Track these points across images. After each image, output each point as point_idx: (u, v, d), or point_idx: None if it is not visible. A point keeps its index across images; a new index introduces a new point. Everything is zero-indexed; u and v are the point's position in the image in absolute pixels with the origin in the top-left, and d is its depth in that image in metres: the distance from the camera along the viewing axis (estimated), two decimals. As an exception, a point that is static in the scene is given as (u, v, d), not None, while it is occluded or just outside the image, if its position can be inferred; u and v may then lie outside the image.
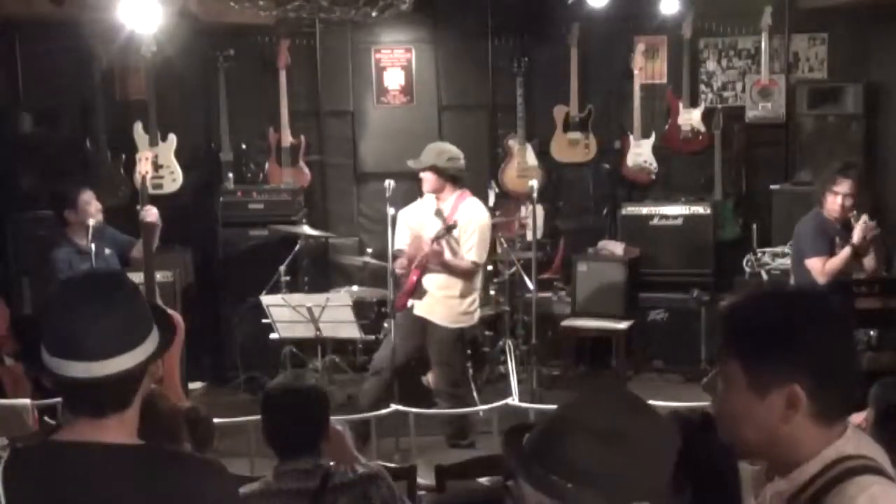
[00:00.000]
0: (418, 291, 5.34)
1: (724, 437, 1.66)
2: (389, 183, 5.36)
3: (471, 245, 5.29)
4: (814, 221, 5.07)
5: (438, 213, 5.37)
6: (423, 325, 5.39)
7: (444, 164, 5.31)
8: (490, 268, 6.77)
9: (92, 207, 5.25)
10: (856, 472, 1.53)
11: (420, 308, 5.38)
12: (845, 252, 4.96)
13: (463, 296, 5.42)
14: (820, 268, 4.94)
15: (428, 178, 5.33)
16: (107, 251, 5.27)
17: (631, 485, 1.35)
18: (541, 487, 1.34)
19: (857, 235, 4.96)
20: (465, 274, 5.39)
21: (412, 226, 5.45)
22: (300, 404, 2.77)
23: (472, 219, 5.35)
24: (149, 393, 1.89)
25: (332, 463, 2.75)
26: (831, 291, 4.90)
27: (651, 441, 1.40)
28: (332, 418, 2.86)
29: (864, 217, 5.00)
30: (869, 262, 5.06)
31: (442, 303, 5.38)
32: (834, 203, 5.00)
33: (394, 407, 4.90)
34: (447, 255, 5.28)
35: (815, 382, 1.54)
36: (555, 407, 1.48)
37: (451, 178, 5.37)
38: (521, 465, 1.37)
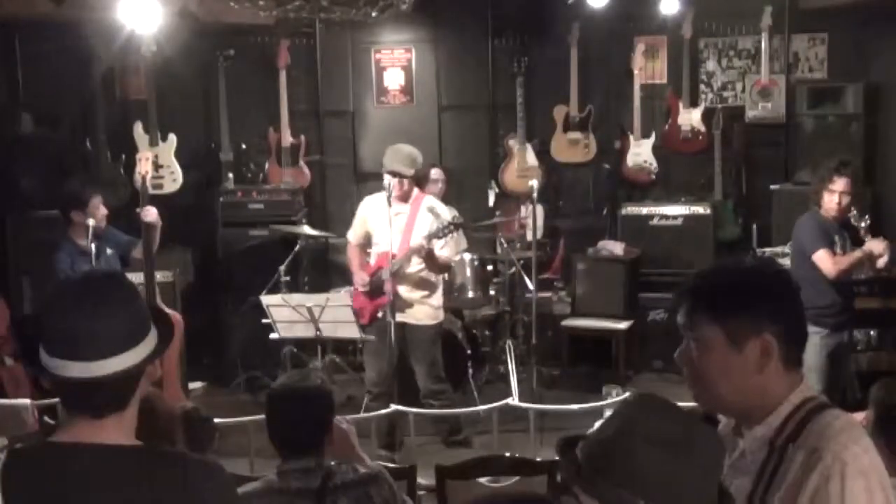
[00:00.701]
0: (397, 300, 5.27)
1: (701, 402, 1.85)
2: (389, 183, 5.36)
3: (444, 243, 5.26)
4: (813, 220, 5.06)
5: (431, 209, 5.32)
6: (401, 330, 5.27)
7: (417, 169, 5.28)
8: (490, 267, 6.77)
9: (99, 212, 5.25)
10: (823, 407, 1.77)
11: (396, 315, 5.22)
12: (857, 254, 4.93)
13: (434, 292, 5.44)
14: (829, 260, 4.89)
15: (404, 182, 5.21)
16: (108, 251, 5.27)
17: (696, 492, 1.41)
18: (609, 502, 1.35)
19: (876, 247, 4.91)
20: (442, 269, 5.41)
21: (368, 218, 5.38)
22: (303, 404, 2.76)
23: (440, 215, 5.33)
24: (146, 394, 1.88)
25: (333, 463, 2.75)
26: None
27: (710, 447, 1.48)
28: (337, 417, 2.86)
29: (864, 223, 4.98)
30: (883, 261, 5.03)
31: (419, 303, 5.36)
32: (831, 202, 4.99)
33: (394, 407, 4.89)
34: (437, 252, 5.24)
35: (782, 331, 1.75)
36: (607, 420, 1.49)
37: (417, 182, 5.38)
38: (585, 480, 1.39)
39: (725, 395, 1.78)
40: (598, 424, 1.53)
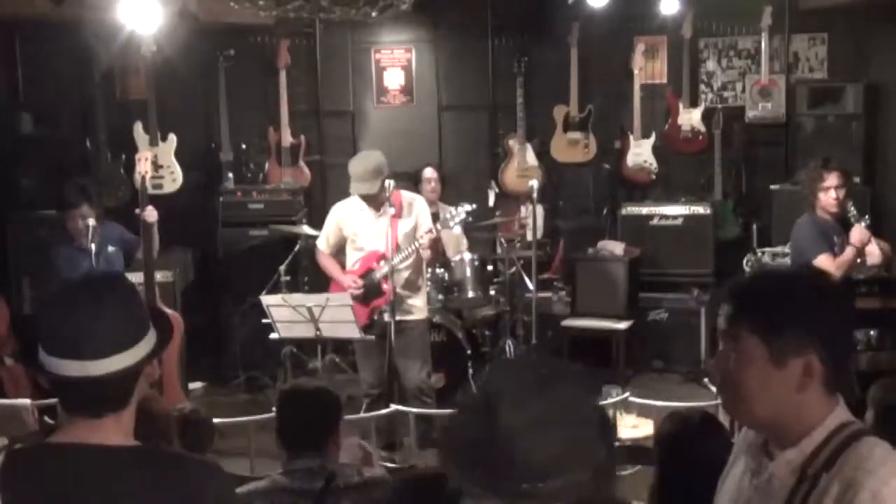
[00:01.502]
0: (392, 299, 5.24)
1: (731, 413, 1.77)
2: (389, 183, 5.35)
3: (428, 227, 5.25)
4: (810, 223, 5.06)
5: (410, 204, 5.29)
6: (388, 332, 5.17)
7: (384, 177, 5.13)
8: (490, 267, 6.77)
9: (84, 220, 5.14)
10: (861, 435, 1.66)
11: (392, 314, 5.17)
12: (850, 252, 4.93)
13: (422, 285, 5.44)
14: (831, 266, 4.88)
15: (376, 198, 5.13)
16: (111, 248, 5.25)
17: (586, 452, 1.29)
18: (520, 501, 1.26)
19: (855, 237, 4.93)
20: (443, 255, 5.44)
21: (343, 224, 5.33)
22: (311, 405, 2.84)
23: (423, 209, 5.33)
24: (142, 396, 1.89)
25: (338, 465, 2.76)
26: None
27: (575, 404, 1.32)
28: (361, 441, 2.94)
29: (864, 222, 4.98)
30: (872, 251, 5.03)
31: (411, 299, 5.35)
32: (828, 199, 4.98)
33: (394, 407, 4.89)
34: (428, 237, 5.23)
35: (827, 352, 1.64)
36: (467, 421, 1.33)
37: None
38: (487, 485, 1.26)
39: (760, 412, 1.70)
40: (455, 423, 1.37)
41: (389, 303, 5.11)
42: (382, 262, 5.17)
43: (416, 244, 5.15)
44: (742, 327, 1.68)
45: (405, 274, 5.29)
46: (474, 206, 5.46)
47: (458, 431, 1.30)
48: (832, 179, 4.96)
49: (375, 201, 5.17)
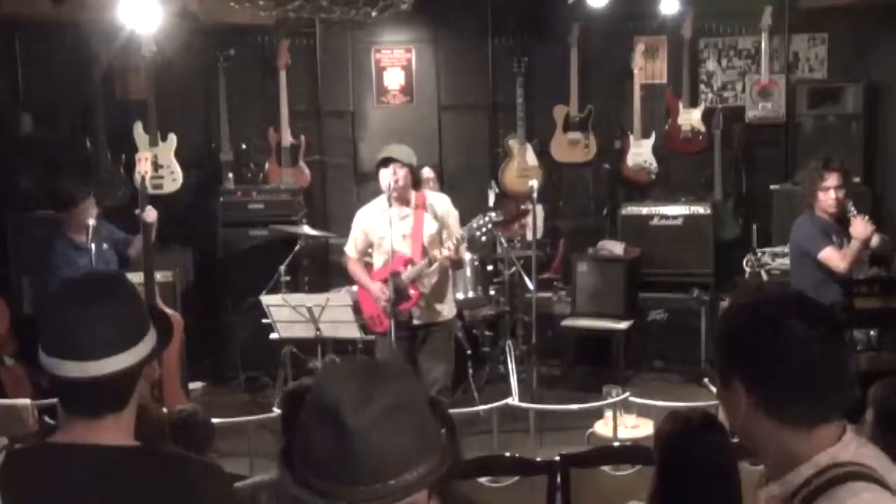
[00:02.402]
0: (420, 303, 5.19)
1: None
2: (390, 182, 5.35)
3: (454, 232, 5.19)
4: (810, 222, 5.06)
5: (432, 207, 5.21)
6: (415, 334, 5.14)
7: (413, 164, 5.09)
8: (490, 268, 6.77)
9: (90, 213, 5.22)
10: (848, 478, 1.54)
11: (420, 317, 5.13)
12: (855, 244, 4.93)
13: (449, 284, 5.29)
14: (837, 256, 4.89)
15: (404, 176, 5.00)
16: (104, 246, 5.27)
17: (432, 437, 1.29)
18: (380, 499, 1.25)
19: (858, 230, 4.91)
20: (463, 263, 5.34)
21: (368, 229, 5.20)
22: None
23: (449, 209, 5.21)
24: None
25: None
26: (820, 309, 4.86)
27: (406, 394, 1.30)
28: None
29: (862, 217, 4.98)
30: (875, 240, 5.03)
31: (440, 300, 5.29)
32: (827, 199, 4.98)
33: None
34: (447, 252, 5.16)
35: (759, 387, 1.60)
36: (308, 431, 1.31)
37: (415, 182, 5.18)
38: (341, 493, 1.25)
39: (731, 427, 1.74)
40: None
41: (401, 307, 5.03)
42: (409, 266, 5.03)
43: (432, 257, 5.01)
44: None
45: (434, 277, 5.15)
46: (498, 211, 5.38)
47: (309, 447, 1.27)
48: (832, 179, 4.96)
49: (397, 183, 4.97)
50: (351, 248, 5.30)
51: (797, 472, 1.58)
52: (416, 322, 5.04)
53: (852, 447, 1.60)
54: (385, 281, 5.07)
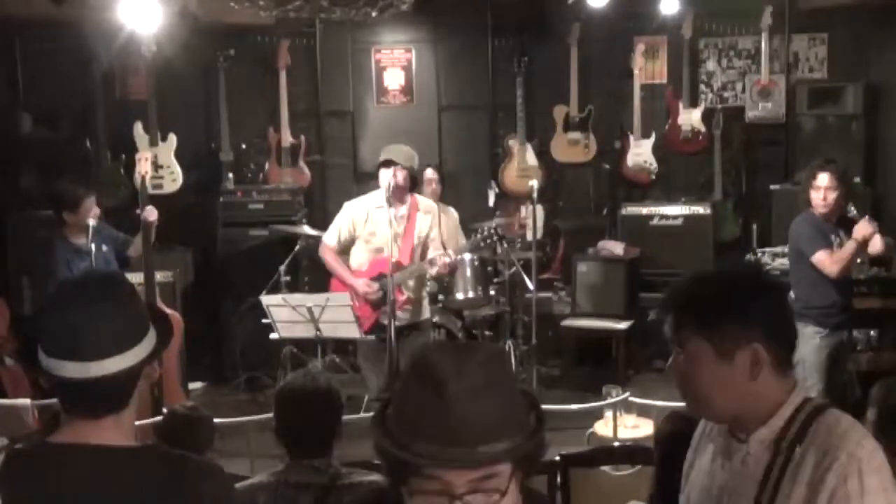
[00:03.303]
0: (405, 305, 5.17)
1: (694, 412, 1.89)
2: (390, 183, 5.35)
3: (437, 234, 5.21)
4: (807, 221, 5.05)
5: (428, 211, 5.25)
6: (399, 333, 5.08)
7: (413, 166, 5.11)
8: (490, 268, 6.77)
9: (91, 213, 5.23)
10: (824, 408, 1.79)
11: (403, 317, 5.14)
12: (851, 245, 4.92)
13: (425, 286, 5.37)
14: (828, 261, 4.89)
15: (404, 178, 5.03)
16: (104, 247, 5.27)
17: (521, 417, 1.37)
18: (469, 461, 1.30)
19: (858, 231, 4.91)
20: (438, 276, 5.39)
21: (358, 222, 5.19)
22: (313, 406, 2.74)
23: (435, 214, 5.25)
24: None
25: (343, 469, 2.73)
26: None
27: (503, 375, 1.39)
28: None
29: (866, 218, 4.97)
30: (875, 245, 5.01)
31: (422, 301, 5.33)
32: (817, 199, 4.97)
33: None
34: (448, 259, 5.17)
35: (769, 339, 1.76)
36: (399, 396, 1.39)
37: (413, 184, 5.20)
38: (442, 454, 1.30)
39: (720, 406, 1.80)
40: None
41: (398, 309, 5.02)
42: (398, 270, 5.01)
43: (433, 259, 5.04)
44: (684, 332, 1.79)
45: (415, 279, 5.22)
46: (500, 222, 5.36)
47: (406, 411, 1.34)
48: (822, 180, 4.95)
49: (398, 184, 5.00)
50: (332, 238, 5.27)
51: (780, 414, 1.78)
52: (396, 324, 5.02)
53: (803, 387, 1.89)
54: (373, 278, 5.10)
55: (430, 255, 5.14)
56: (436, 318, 5.99)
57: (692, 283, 1.86)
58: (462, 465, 1.29)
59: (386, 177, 5.00)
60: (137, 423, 1.93)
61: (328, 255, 5.32)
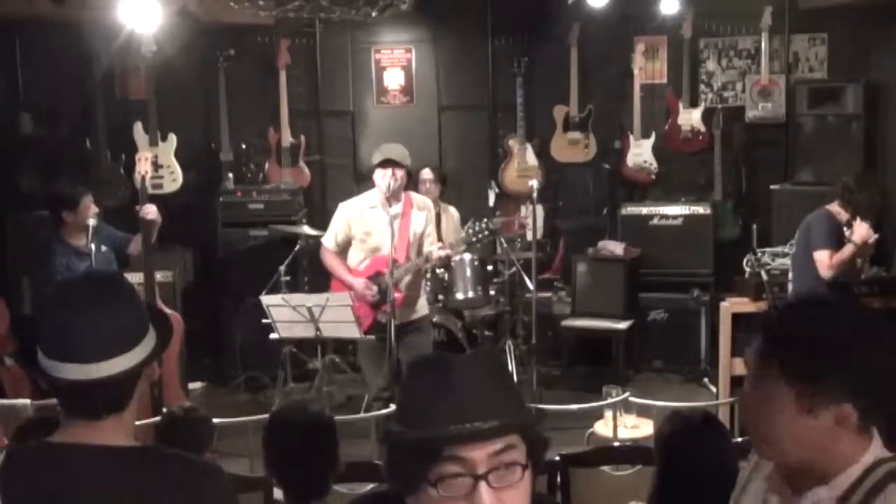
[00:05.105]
0: (402, 303, 5.19)
1: (757, 452, 1.71)
2: (390, 183, 5.35)
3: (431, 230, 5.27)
4: (829, 218, 5.15)
5: (422, 208, 5.28)
6: (400, 331, 5.11)
7: (408, 165, 5.15)
8: (490, 267, 6.77)
9: (90, 211, 5.24)
10: None
11: (401, 315, 5.14)
12: (849, 248, 5.00)
13: (423, 284, 5.43)
14: (828, 261, 4.99)
15: (401, 177, 5.08)
16: (103, 248, 5.27)
17: (516, 401, 1.40)
18: (487, 433, 1.32)
19: (857, 234, 4.98)
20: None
21: (353, 222, 5.23)
22: (306, 440, 2.59)
23: (430, 211, 5.32)
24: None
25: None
26: (832, 289, 4.92)
27: (498, 362, 1.46)
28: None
29: (867, 223, 5.04)
30: (872, 238, 5.11)
31: (419, 298, 5.35)
32: (841, 223, 5.09)
33: (394, 407, 4.87)
34: (442, 253, 5.20)
35: (867, 401, 1.54)
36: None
37: (408, 179, 5.26)
38: (440, 427, 1.32)
39: (789, 455, 1.61)
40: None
41: (395, 308, 5.03)
42: (394, 268, 5.03)
43: (428, 254, 5.09)
44: (772, 369, 1.57)
45: (411, 276, 5.24)
46: (496, 218, 5.37)
47: (413, 395, 1.37)
48: (860, 233, 5.02)
49: (395, 183, 5.03)
50: (330, 240, 5.33)
51: (847, 474, 1.57)
52: (395, 322, 5.04)
53: (879, 441, 1.61)
54: (371, 277, 5.12)
55: (425, 250, 5.19)
56: (436, 318, 6.00)
57: (795, 313, 1.64)
58: (480, 437, 1.29)
59: (382, 177, 5.04)
60: (137, 423, 1.94)
61: (328, 257, 5.37)
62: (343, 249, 5.32)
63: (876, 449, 1.59)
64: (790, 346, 1.56)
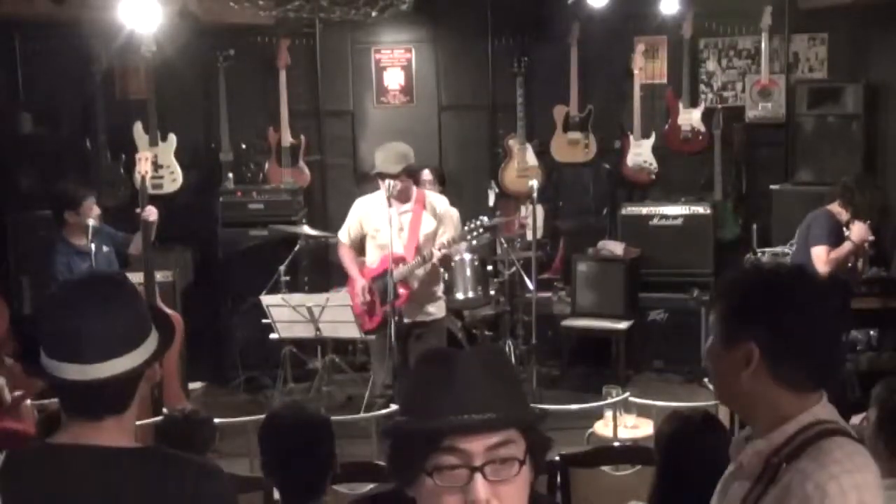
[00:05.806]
0: (410, 299, 5.19)
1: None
2: (390, 183, 5.36)
3: (443, 230, 5.21)
4: (829, 215, 5.17)
5: (433, 207, 5.27)
6: (409, 331, 5.18)
7: (409, 164, 5.10)
8: (490, 267, 6.78)
9: (93, 212, 5.25)
10: (832, 433, 1.70)
11: (410, 313, 5.18)
12: (847, 246, 5.03)
13: (440, 282, 5.40)
14: (825, 257, 5.03)
15: (401, 186, 5.05)
16: (104, 248, 5.27)
17: (518, 396, 1.43)
18: (487, 424, 1.33)
19: (855, 234, 5.02)
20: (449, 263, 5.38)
21: (364, 219, 5.25)
22: (303, 441, 2.57)
23: (447, 210, 5.29)
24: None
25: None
26: (830, 287, 4.95)
27: (501, 358, 1.49)
28: None
29: (866, 224, 5.07)
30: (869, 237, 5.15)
31: (430, 298, 5.33)
32: (841, 220, 5.11)
33: (394, 407, 4.89)
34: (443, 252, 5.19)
35: (772, 349, 1.71)
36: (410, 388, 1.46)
37: (415, 180, 5.23)
38: (439, 419, 1.34)
39: (718, 389, 1.87)
40: None
41: (401, 306, 5.03)
42: (401, 265, 5.08)
43: (431, 253, 5.07)
44: (713, 310, 1.87)
45: (425, 274, 5.21)
46: (493, 216, 5.37)
47: (418, 390, 1.39)
48: (857, 229, 5.04)
49: (396, 187, 5.03)
50: (344, 235, 5.41)
51: (782, 430, 1.72)
52: (406, 320, 5.05)
53: (829, 409, 1.75)
54: (373, 279, 5.12)
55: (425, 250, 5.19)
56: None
57: (743, 270, 1.95)
58: (479, 429, 1.31)
59: (382, 181, 5.07)
60: (137, 423, 1.94)
61: (341, 251, 5.44)
62: (359, 245, 5.37)
63: (819, 412, 1.74)
64: (726, 290, 1.84)
